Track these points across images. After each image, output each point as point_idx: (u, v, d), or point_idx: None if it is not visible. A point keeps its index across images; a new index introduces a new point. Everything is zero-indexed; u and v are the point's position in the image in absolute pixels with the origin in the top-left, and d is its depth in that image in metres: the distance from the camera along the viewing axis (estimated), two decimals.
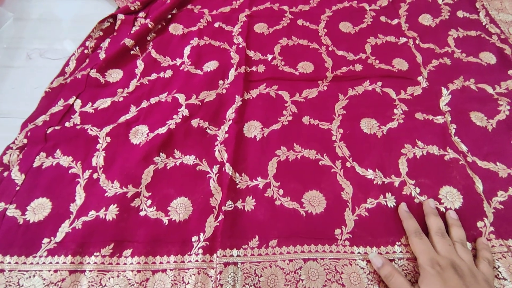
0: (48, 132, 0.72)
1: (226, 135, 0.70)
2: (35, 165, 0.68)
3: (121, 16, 0.98)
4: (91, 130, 0.73)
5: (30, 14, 1.07)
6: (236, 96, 0.76)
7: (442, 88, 0.80)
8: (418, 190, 0.63)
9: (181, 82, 0.82)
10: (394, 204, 0.61)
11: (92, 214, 0.60)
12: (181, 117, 0.73)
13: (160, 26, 0.97)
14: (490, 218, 0.59)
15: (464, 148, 0.69)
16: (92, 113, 0.78)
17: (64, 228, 0.59)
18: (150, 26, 0.93)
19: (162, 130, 0.71)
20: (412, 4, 1.02)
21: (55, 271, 0.54)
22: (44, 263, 0.55)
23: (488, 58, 0.87)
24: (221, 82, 0.80)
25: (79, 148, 0.70)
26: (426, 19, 0.98)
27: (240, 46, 0.88)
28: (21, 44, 0.98)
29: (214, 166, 0.65)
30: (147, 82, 0.84)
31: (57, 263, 0.54)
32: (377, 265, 0.52)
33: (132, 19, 0.99)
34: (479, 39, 0.92)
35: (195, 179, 0.64)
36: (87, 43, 0.93)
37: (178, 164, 0.66)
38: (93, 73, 0.85)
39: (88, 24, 0.97)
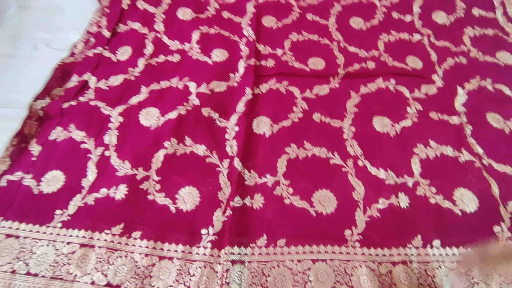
0: (64, 107, 0.74)
1: (237, 128, 0.70)
2: (51, 138, 0.70)
3: None
4: (104, 109, 0.74)
5: (34, 3, 1.03)
6: (247, 88, 0.77)
7: (458, 87, 0.78)
8: (434, 189, 0.61)
9: (191, 69, 0.82)
10: (408, 205, 0.60)
11: (104, 191, 0.63)
12: (191, 105, 0.74)
13: (167, 7, 0.96)
14: (507, 222, 0.58)
15: (480, 150, 0.67)
16: (106, 90, 0.78)
17: (77, 202, 0.62)
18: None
19: (173, 115, 0.72)
20: (426, 1, 0.99)
21: (68, 243, 0.57)
22: (58, 234, 0.58)
23: (505, 58, 0.85)
24: (232, 75, 0.80)
25: (93, 125, 0.72)
26: (440, 17, 0.95)
27: (250, 39, 0.87)
28: (25, 33, 0.95)
29: (224, 160, 0.66)
30: (155, 64, 0.84)
31: (71, 236, 0.58)
32: None
33: None
34: (496, 38, 0.89)
35: (205, 170, 0.65)
36: (89, 29, 0.94)
37: (188, 153, 0.67)
38: (107, 53, 0.86)
39: (92, 14, 0.96)
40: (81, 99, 0.77)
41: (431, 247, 0.55)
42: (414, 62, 0.84)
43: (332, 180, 0.64)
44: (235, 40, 0.89)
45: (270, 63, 0.84)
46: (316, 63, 0.84)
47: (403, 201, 0.61)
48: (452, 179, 0.63)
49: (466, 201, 0.61)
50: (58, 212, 0.61)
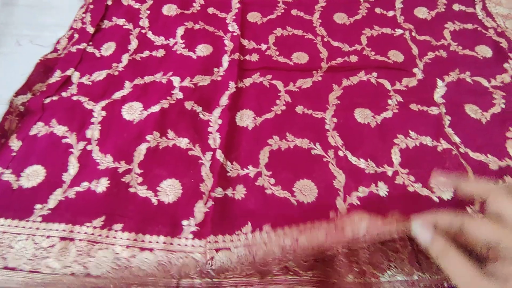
0: (45, 102, 0.73)
1: (220, 121, 0.70)
2: (31, 133, 0.68)
3: None
4: (87, 103, 0.73)
5: (19, 0, 1.01)
6: (230, 82, 0.77)
7: (438, 80, 0.79)
8: (412, 178, 0.62)
9: (175, 64, 0.81)
10: (387, 193, 0.61)
11: (85, 185, 0.62)
12: (175, 99, 0.74)
13: (152, 2, 0.96)
14: (477, 206, 0.58)
15: (457, 139, 0.69)
16: (89, 85, 0.77)
17: (57, 196, 0.60)
18: None
19: (155, 108, 0.72)
20: None
21: (48, 236, 0.56)
22: (38, 228, 0.57)
23: (484, 51, 0.86)
24: (216, 69, 0.80)
25: (75, 120, 0.70)
26: (421, 12, 0.97)
27: (235, 34, 0.87)
28: (9, 30, 0.92)
29: (207, 153, 0.66)
30: (139, 59, 0.83)
31: (51, 229, 0.56)
32: (426, 239, 0.40)
33: None
34: (475, 32, 0.91)
35: (187, 163, 0.64)
36: (74, 25, 0.93)
37: (171, 146, 0.67)
38: (90, 49, 0.85)
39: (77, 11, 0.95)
40: (64, 94, 0.75)
41: None
42: (395, 56, 0.85)
43: (314, 171, 0.64)
44: (219, 35, 0.88)
45: (254, 57, 0.84)
46: (300, 57, 0.84)
47: (382, 189, 0.62)
48: (431, 168, 0.64)
49: (443, 188, 0.61)
50: (38, 206, 0.59)
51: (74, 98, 0.74)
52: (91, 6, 0.95)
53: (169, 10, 0.94)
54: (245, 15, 0.93)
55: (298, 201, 0.60)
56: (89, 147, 0.67)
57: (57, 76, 0.79)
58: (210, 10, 0.94)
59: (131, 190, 0.61)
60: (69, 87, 0.77)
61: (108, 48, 0.85)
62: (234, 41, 0.86)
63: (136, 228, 0.57)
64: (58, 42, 0.88)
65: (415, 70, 0.82)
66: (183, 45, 0.85)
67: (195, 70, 0.79)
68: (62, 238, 0.56)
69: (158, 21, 0.92)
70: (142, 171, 0.64)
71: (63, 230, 0.56)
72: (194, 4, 0.96)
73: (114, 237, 0.56)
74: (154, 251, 0.54)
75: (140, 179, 0.63)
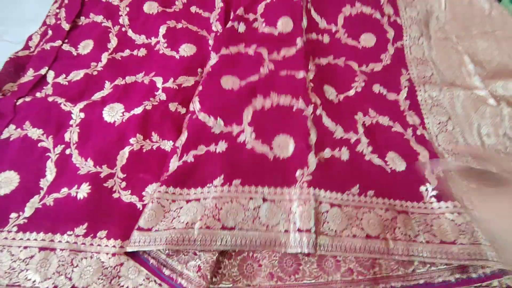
0: (18, 103, 0.67)
1: None
2: (2, 137, 0.63)
3: None
4: (64, 105, 0.68)
5: None
6: None
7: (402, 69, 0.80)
8: (370, 148, 0.65)
9: (157, 64, 0.78)
10: (348, 158, 0.63)
11: (64, 191, 0.58)
12: (158, 100, 0.71)
13: (132, 0, 0.91)
14: (434, 183, 0.62)
15: (416, 121, 0.71)
16: (65, 85, 0.72)
17: (34, 204, 0.56)
18: None
19: (138, 110, 0.68)
20: None
21: (25, 247, 0.52)
22: (14, 238, 0.53)
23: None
24: (200, 70, 0.78)
25: (51, 122, 0.66)
26: None
27: (219, 34, 0.85)
28: None
29: None
30: (120, 58, 0.79)
31: (28, 239, 0.53)
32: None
33: None
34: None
35: None
36: (47, 21, 0.87)
37: (155, 149, 0.64)
38: (66, 47, 0.80)
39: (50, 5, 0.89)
40: (38, 94, 0.70)
41: (365, 195, 0.60)
42: (367, 41, 0.85)
43: (293, 126, 0.65)
44: (203, 35, 0.86)
45: None
46: (285, 24, 0.82)
47: (345, 154, 0.64)
48: (386, 144, 0.67)
49: (396, 161, 0.64)
50: (13, 215, 0.55)
51: (50, 99, 0.69)
52: (66, 1, 0.89)
53: (150, 7, 0.90)
54: (228, 14, 0.91)
55: (275, 156, 0.62)
56: (67, 151, 0.63)
57: (29, 75, 0.73)
58: (193, 9, 0.91)
59: (115, 195, 0.58)
60: (44, 87, 0.72)
61: (86, 46, 0.80)
62: None
63: (122, 234, 0.54)
64: (30, 39, 0.82)
65: (382, 56, 0.82)
66: (166, 44, 0.82)
67: (179, 71, 0.76)
68: (42, 248, 0.52)
69: (138, 19, 0.87)
70: (125, 175, 0.61)
71: (42, 240, 0.53)
72: (176, 2, 0.92)
73: (99, 245, 0.53)
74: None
75: (123, 184, 0.60)
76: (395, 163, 0.65)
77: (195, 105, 0.66)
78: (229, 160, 0.60)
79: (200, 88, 0.70)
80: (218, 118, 0.64)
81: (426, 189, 0.62)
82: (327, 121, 0.67)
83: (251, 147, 0.62)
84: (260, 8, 0.87)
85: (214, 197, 0.55)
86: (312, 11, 0.88)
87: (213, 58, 0.74)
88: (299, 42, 0.78)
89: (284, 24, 0.83)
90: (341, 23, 0.88)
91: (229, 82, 0.70)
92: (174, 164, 0.59)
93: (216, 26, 0.87)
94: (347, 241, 0.54)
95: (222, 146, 0.61)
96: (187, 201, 0.55)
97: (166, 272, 0.50)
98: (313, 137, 0.64)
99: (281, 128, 0.65)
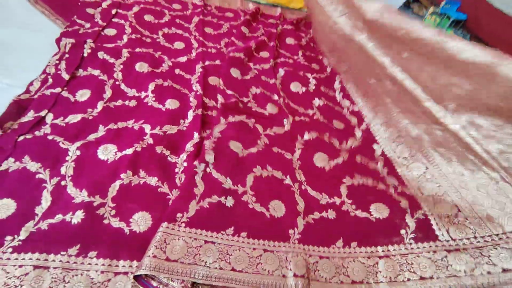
0: (19, 140, 0.75)
1: (185, 164, 0.81)
2: (1, 168, 0.70)
3: (71, 40, 1.05)
4: (63, 143, 0.78)
5: None
6: (195, 132, 0.89)
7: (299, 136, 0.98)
8: (354, 207, 0.80)
9: (146, 114, 0.92)
10: (334, 217, 0.77)
11: (59, 217, 0.65)
12: (146, 144, 0.83)
13: (125, 59, 1.07)
14: (412, 227, 0.76)
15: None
16: (63, 126, 0.82)
17: (29, 228, 0.62)
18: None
19: (129, 151, 0.80)
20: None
21: (20, 266, 0.57)
22: (8, 258, 0.58)
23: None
24: (182, 121, 0.92)
25: (49, 157, 0.74)
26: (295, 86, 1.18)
27: (198, 93, 1.02)
28: None
29: (174, 190, 0.75)
30: (113, 107, 0.92)
31: (23, 259, 0.58)
32: None
33: (82, 42, 1.06)
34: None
35: (157, 198, 0.73)
36: (47, 70, 0.98)
37: (141, 183, 0.75)
38: (65, 93, 0.91)
39: (50, 56, 1.01)
40: (37, 133, 0.79)
41: (349, 247, 0.73)
42: (272, 108, 1.04)
43: (284, 195, 0.79)
44: (185, 93, 1.02)
45: (214, 113, 0.98)
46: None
47: (331, 214, 0.79)
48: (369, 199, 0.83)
49: (380, 210, 0.80)
50: (8, 238, 0.61)
51: (50, 137, 0.78)
52: (67, 55, 1.02)
53: (141, 67, 1.06)
54: (206, 78, 1.10)
55: (271, 215, 0.74)
56: (63, 183, 0.71)
57: (30, 116, 0.82)
58: (177, 71, 1.09)
59: (105, 221, 0.67)
60: (43, 127, 0.81)
61: (83, 95, 0.92)
62: (197, 99, 1.00)
63: (110, 254, 0.62)
64: (31, 84, 0.92)
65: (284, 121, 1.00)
66: (154, 98, 0.97)
67: (164, 120, 0.91)
68: (36, 267, 0.58)
69: (131, 75, 1.02)
70: (115, 204, 0.70)
71: (37, 259, 0.58)
72: (163, 65, 1.10)
73: (89, 264, 0.60)
74: (128, 274, 0.60)
75: (113, 212, 0.68)
76: (379, 211, 0.79)
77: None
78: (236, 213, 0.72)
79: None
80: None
81: (406, 232, 0.76)
82: (312, 192, 0.82)
83: (252, 207, 0.74)
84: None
85: (225, 244, 0.66)
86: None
87: (193, 141, 0.88)
88: None
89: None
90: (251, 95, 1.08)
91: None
92: (193, 207, 0.70)
93: (196, 87, 1.05)
94: (336, 287, 0.65)
95: (230, 201, 0.74)
96: (205, 242, 0.65)
97: (154, 284, 0.58)
98: (301, 205, 0.78)
99: (275, 195, 0.78)
